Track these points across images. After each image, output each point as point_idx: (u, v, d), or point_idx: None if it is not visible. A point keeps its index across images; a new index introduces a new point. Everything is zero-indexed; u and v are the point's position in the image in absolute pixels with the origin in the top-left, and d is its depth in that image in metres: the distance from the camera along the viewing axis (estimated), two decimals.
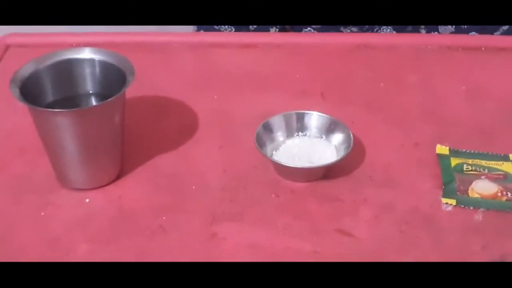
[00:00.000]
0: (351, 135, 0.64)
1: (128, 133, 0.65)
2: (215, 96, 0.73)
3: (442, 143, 0.66)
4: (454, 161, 0.63)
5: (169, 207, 0.61)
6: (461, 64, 0.76)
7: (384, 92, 0.73)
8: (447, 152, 0.64)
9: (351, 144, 0.63)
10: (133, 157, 0.65)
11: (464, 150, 0.65)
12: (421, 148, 0.66)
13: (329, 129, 0.66)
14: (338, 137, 0.65)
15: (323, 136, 0.66)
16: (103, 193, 0.62)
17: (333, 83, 0.75)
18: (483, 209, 0.59)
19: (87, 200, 0.61)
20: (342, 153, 0.63)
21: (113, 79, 0.60)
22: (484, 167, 0.62)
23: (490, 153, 0.64)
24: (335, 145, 0.65)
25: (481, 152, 0.64)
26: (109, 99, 0.57)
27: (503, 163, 0.63)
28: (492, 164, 0.63)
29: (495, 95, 0.71)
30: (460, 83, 0.73)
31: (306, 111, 0.66)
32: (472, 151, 0.64)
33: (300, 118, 0.66)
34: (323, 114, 0.66)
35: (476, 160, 0.63)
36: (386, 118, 0.70)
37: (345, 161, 0.63)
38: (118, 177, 0.63)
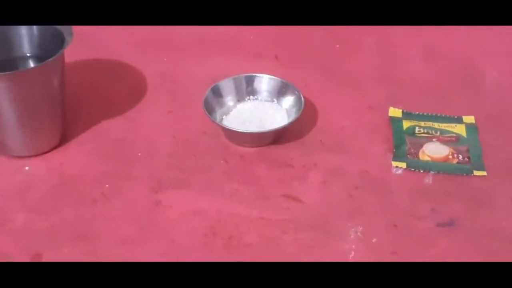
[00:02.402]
0: (302, 98, 0.62)
1: (72, 97, 0.63)
2: (165, 59, 0.70)
3: (396, 106, 0.64)
4: (406, 124, 0.62)
5: (113, 175, 0.59)
6: (417, 26, 0.74)
7: (339, 54, 0.71)
8: (400, 115, 0.63)
9: (302, 108, 0.61)
10: (77, 123, 0.63)
11: (417, 113, 0.63)
12: (375, 111, 0.64)
13: (280, 92, 0.64)
14: (289, 101, 0.63)
15: (275, 99, 0.64)
16: (43, 161, 0.60)
17: (288, 45, 0.73)
18: (433, 172, 0.58)
19: (27, 168, 0.59)
20: (293, 117, 0.62)
21: (52, 41, 0.58)
22: (436, 129, 0.61)
23: (443, 115, 0.63)
24: (286, 109, 0.63)
25: (434, 114, 0.63)
26: (46, 61, 0.55)
27: (456, 125, 0.61)
28: (445, 126, 0.61)
29: (451, 56, 0.70)
30: (417, 44, 0.72)
31: (256, 74, 0.64)
32: (425, 114, 0.63)
33: (250, 81, 0.64)
34: (274, 77, 0.64)
35: (429, 122, 0.62)
36: (340, 81, 0.68)
37: (296, 125, 0.62)
38: (60, 143, 0.61)
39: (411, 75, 0.68)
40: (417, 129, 0.61)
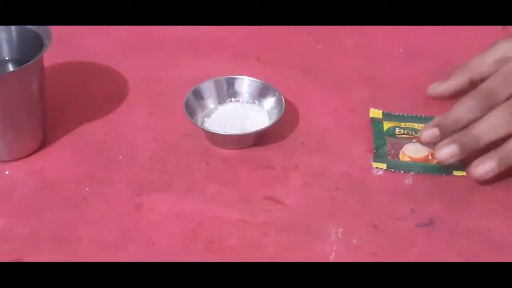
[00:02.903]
0: (283, 100, 0.62)
1: (52, 100, 0.63)
2: (146, 61, 0.70)
3: (377, 107, 0.65)
4: (386, 125, 0.62)
5: (94, 178, 0.59)
6: (399, 27, 0.74)
7: (321, 55, 0.71)
8: (380, 116, 0.63)
9: (283, 109, 0.61)
10: (58, 126, 0.62)
11: (397, 114, 0.63)
12: (356, 112, 0.64)
13: (261, 94, 0.64)
14: (270, 102, 0.64)
15: (256, 101, 0.64)
16: (24, 165, 0.59)
17: (270, 46, 0.73)
18: (413, 173, 0.58)
19: (7, 173, 0.59)
20: (274, 119, 0.61)
21: (31, 44, 0.57)
22: (416, 130, 0.61)
23: (423, 116, 0.63)
24: (267, 111, 0.64)
25: (414, 115, 0.63)
26: (25, 65, 0.55)
27: None
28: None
29: (432, 57, 0.70)
30: (398, 45, 0.72)
31: (237, 76, 0.64)
32: (406, 114, 0.63)
33: (231, 83, 0.64)
34: (255, 79, 0.64)
35: (409, 123, 0.62)
36: (321, 82, 0.68)
37: (278, 127, 0.62)
38: (41, 147, 0.60)
39: (393, 76, 0.68)
40: (397, 130, 0.61)
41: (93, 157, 0.61)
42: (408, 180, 0.58)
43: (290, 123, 0.64)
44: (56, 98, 0.64)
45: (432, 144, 0.59)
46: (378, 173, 0.58)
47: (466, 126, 0.57)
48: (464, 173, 0.58)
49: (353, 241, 0.53)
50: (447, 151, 0.56)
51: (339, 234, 0.54)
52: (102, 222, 0.55)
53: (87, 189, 0.58)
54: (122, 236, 0.54)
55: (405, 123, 0.62)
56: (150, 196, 0.57)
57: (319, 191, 0.57)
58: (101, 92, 0.67)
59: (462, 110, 0.57)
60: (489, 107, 0.56)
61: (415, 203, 0.56)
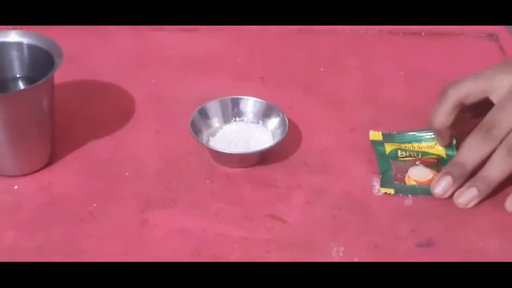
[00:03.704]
0: (287, 120, 0.64)
1: (61, 118, 0.64)
2: (153, 80, 0.72)
3: (376, 128, 0.65)
4: (388, 148, 0.63)
5: (100, 194, 0.60)
6: (400, 49, 0.76)
7: (323, 76, 0.73)
8: (380, 138, 0.64)
9: (286, 129, 0.63)
10: (66, 143, 0.64)
11: (395, 132, 0.64)
12: (357, 133, 0.66)
13: (265, 114, 0.65)
14: (274, 122, 0.65)
15: (260, 121, 0.66)
16: (32, 180, 0.60)
17: (274, 67, 0.74)
18: (418, 195, 0.59)
19: (16, 187, 0.60)
20: (278, 139, 0.63)
21: (42, 62, 0.59)
22: (417, 151, 0.63)
23: (422, 134, 0.63)
24: (271, 130, 0.65)
25: (411, 132, 0.63)
26: (36, 83, 0.56)
27: (435, 145, 0.63)
28: (425, 147, 0.63)
29: (433, 79, 0.71)
30: (399, 67, 0.73)
31: (242, 96, 0.66)
32: (404, 132, 0.64)
33: (236, 103, 0.66)
34: (259, 99, 0.66)
35: (409, 144, 0.63)
36: (324, 103, 0.70)
37: (281, 146, 0.63)
38: (49, 163, 0.62)
39: (393, 96, 0.70)
40: (399, 152, 0.62)
41: (100, 174, 0.62)
42: (409, 200, 0.59)
43: (293, 142, 0.65)
44: (64, 115, 0.66)
45: (434, 166, 0.61)
46: (379, 194, 0.59)
47: (475, 166, 0.58)
48: None
49: (354, 259, 0.55)
50: (468, 197, 0.58)
51: (340, 253, 0.55)
52: (108, 237, 0.57)
53: (94, 204, 0.59)
54: (126, 251, 0.56)
55: (405, 144, 0.63)
56: (155, 213, 0.59)
57: (321, 210, 0.59)
58: (108, 109, 0.69)
59: (467, 153, 0.59)
60: (491, 143, 0.58)
61: (415, 223, 0.57)
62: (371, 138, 0.64)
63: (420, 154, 0.62)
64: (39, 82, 0.56)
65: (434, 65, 0.74)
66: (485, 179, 0.58)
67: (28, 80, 0.60)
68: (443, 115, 0.60)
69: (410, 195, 0.59)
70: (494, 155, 0.58)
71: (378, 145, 0.63)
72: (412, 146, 0.63)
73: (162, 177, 0.62)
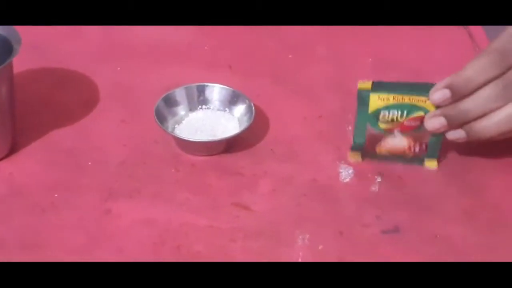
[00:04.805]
0: (253, 107, 0.63)
1: (23, 106, 0.63)
2: (118, 68, 0.70)
3: (345, 116, 0.65)
4: (373, 103, 0.59)
5: (63, 184, 0.59)
6: (369, 36, 0.75)
7: (292, 64, 0.72)
8: (369, 87, 0.59)
9: (253, 116, 0.62)
10: (28, 132, 0.62)
11: (388, 82, 0.60)
12: (325, 120, 0.65)
13: (231, 102, 0.65)
14: (240, 110, 0.64)
15: (227, 109, 0.65)
16: None
17: (242, 55, 0.74)
18: (379, 180, 0.59)
19: None
20: (244, 126, 0.62)
21: (0, 50, 0.57)
22: (404, 108, 0.58)
23: (417, 84, 0.59)
24: (238, 118, 0.64)
25: (407, 82, 0.59)
26: None
27: (427, 100, 0.58)
28: (416, 100, 0.59)
29: (402, 66, 0.71)
30: (368, 55, 0.73)
31: (208, 84, 0.65)
32: (397, 82, 0.59)
33: (202, 91, 0.65)
34: (226, 86, 0.65)
35: (399, 96, 0.58)
36: (292, 91, 0.69)
37: (248, 134, 0.62)
38: (10, 153, 0.60)
39: None
40: (382, 113, 0.59)
41: (63, 163, 0.61)
42: (375, 187, 0.59)
43: (260, 130, 0.64)
44: (26, 104, 0.64)
45: (414, 131, 0.59)
46: (345, 181, 0.59)
47: (477, 88, 0.56)
48: (435, 163, 0.59)
49: (319, 247, 0.54)
50: (435, 122, 0.57)
51: (306, 240, 0.54)
52: (70, 228, 0.55)
53: (56, 194, 0.58)
54: (89, 242, 0.54)
55: (395, 95, 0.58)
56: (119, 202, 0.58)
57: (287, 198, 0.58)
58: (72, 98, 0.67)
59: (475, 70, 0.56)
60: (502, 67, 0.56)
61: (380, 210, 0.57)
62: (359, 87, 0.59)
63: (406, 112, 0.59)
64: None
65: (403, 52, 0.74)
66: (461, 110, 0.56)
67: None
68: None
69: (377, 160, 0.58)
70: (486, 86, 0.55)
71: (363, 102, 0.59)
72: (403, 98, 0.59)
73: (127, 166, 0.61)
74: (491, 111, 0.56)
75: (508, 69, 0.56)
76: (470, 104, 0.56)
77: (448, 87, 0.56)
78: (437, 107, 0.58)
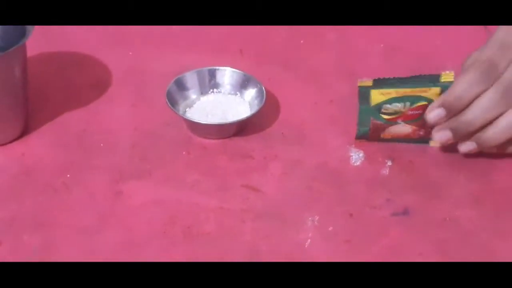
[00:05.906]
0: (264, 91, 0.63)
1: (36, 89, 0.64)
2: (130, 53, 0.71)
3: (357, 101, 0.64)
4: (375, 98, 0.59)
5: (74, 165, 0.59)
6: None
7: (303, 49, 0.72)
8: (370, 84, 0.59)
9: (264, 100, 0.62)
10: (40, 114, 0.63)
11: (389, 78, 0.60)
12: (335, 105, 0.65)
13: (243, 86, 0.65)
14: (251, 93, 0.64)
15: (237, 92, 0.65)
16: (5, 151, 0.60)
17: (253, 40, 0.74)
18: (390, 164, 0.59)
19: None
20: (255, 110, 0.62)
21: (13, 31, 0.58)
22: (406, 100, 0.58)
23: (419, 75, 0.59)
24: (248, 102, 0.64)
25: (407, 77, 0.59)
26: (7, 51, 0.55)
27: (429, 89, 0.59)
28: (418, 91, 0.59)
29: (412, 52, 0.71)
30: (379, 41, 0.73)
31: (219, 67, 0.65)
32: (398, 78, 0.59)
33: (213, 74, 0.65)
34: (237, 70, 0.65)
35: (401, 90, 0.59)
36: (303, 75, 0.69)
37: (258, 118, 0.62)
38: (23, 134, 0.61)
39: (371, 70, 0.68)
40: (383, 107, 0.59)
41: (74, 145, 0.61)
42: (385, 170, 0.59)
43: (271, 114, 0.64)
44: (39, 87, 0.65)
45: (416, 119, 0.59)
46: (355, 164, 0.59)
47: (470, 102, 0.56)
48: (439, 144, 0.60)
49: (329, 229, 0.54)
50: (442, 136, 0.58)
51: (315, 222, 0.55)
52: (81, 208, 0.56)
53: (68, 175, 0.58)
54: (100, 222, 0.55)
55: (397, 90, 0.58)
56: (130, 184, 0.58)
57: (297, 180, 0.58)
58: (84, 82, 0.68)
59: (464, 86, 0.57)
60: (490, 79, 0.56)
61: (390, 193, 0.57)
62: (359, 85, 0.60)
63: (409, 103, 0.59)
64: (10, 49, 0.55)
65: (415, 40, 0.73)
66: (465, 122, 0.56)
67: (0, 50, 0.59)
68: None
69: (383, 142, 0.58)
70: (485, 94, 0.56)
71: (364, 97, 0.59)
72: (404, 92, 0.59)
73: (138, 148, 0.61)
74: (494, 118, 0.56)
75: (498, 77, 0.56)
76: (469, 116, 0.57)
77: (442, 106, 0.57)
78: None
